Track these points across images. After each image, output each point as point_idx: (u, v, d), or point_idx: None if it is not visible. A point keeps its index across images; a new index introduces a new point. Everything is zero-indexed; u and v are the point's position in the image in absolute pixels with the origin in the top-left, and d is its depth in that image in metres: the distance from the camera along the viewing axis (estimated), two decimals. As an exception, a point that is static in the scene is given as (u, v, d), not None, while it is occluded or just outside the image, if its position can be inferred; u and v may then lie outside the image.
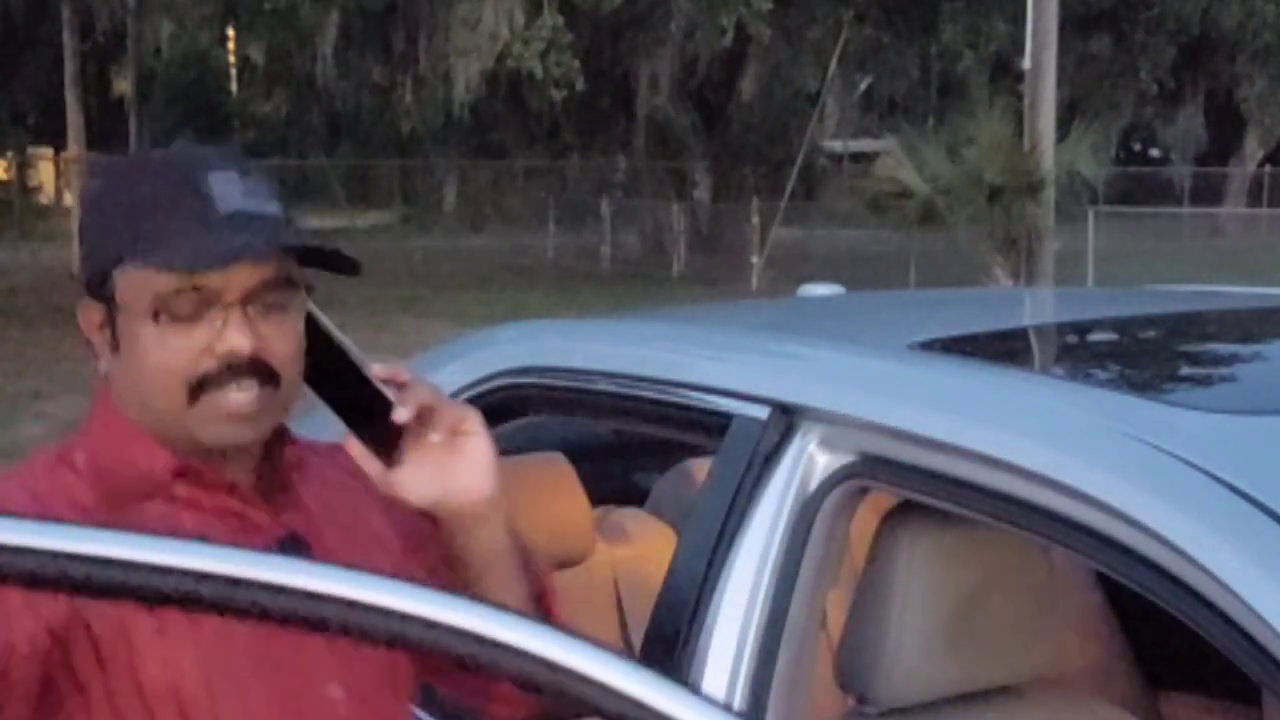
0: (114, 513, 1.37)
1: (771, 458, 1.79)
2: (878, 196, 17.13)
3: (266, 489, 1.48)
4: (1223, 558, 1.33)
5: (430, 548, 1.50)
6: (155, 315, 1.37)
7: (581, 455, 2.70)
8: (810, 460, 1.78)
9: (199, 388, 1.38)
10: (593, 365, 2.17)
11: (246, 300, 1.37)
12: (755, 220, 23.36)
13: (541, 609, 1.55)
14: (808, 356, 2.07)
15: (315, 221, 32.25)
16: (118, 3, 25.71)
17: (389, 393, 1.39)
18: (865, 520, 1.91)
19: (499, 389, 2.18)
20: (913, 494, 1.74)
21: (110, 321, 1.43)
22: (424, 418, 1.41)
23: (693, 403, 1.95)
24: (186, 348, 1.38)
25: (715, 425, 1.89)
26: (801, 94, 28.79)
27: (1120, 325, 2.55)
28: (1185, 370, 2.27)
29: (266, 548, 1.37)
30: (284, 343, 1.40)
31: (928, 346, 2.05)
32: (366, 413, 1.41)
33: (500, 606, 0.83)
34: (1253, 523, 1.35)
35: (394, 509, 1.48)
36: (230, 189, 1.37)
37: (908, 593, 1.79)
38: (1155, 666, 2.52)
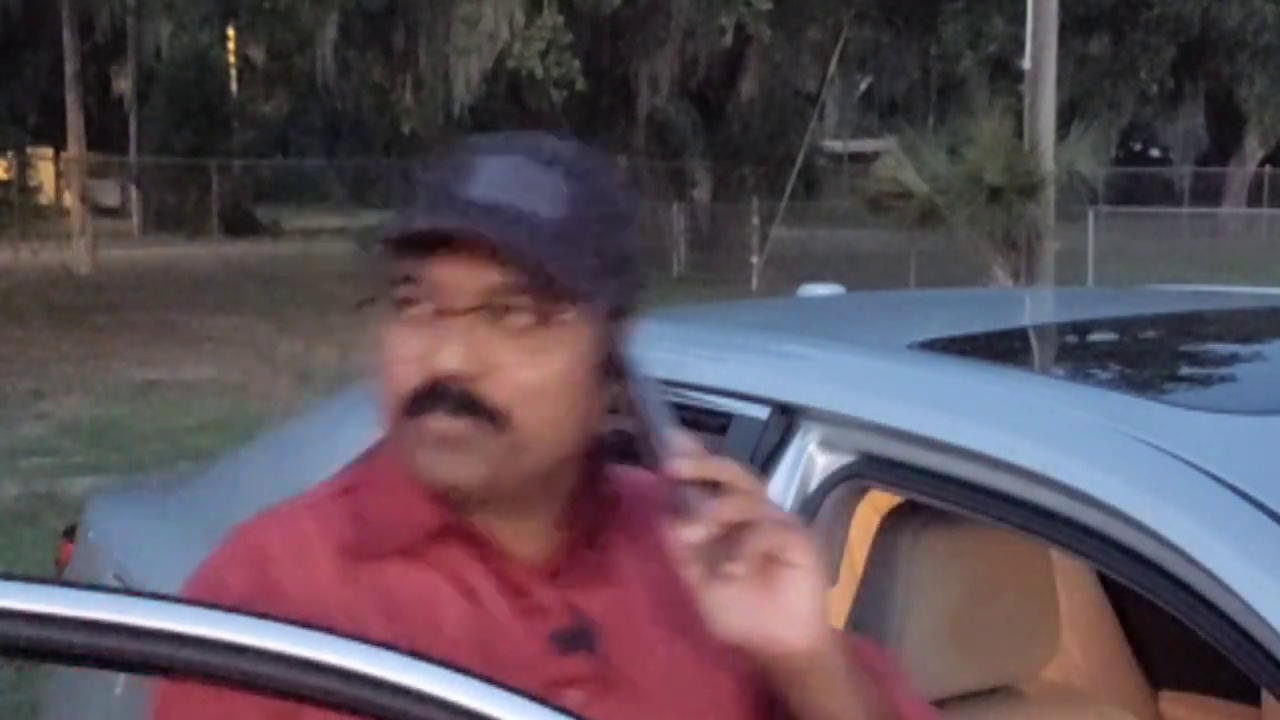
0: (361, 569, 1.14)
1: (771, 458, 1.79)
2: (878, 196, 17.12)
3: (569, 559, 1.17)
4: (1223, 558, 1.33)
5: None
6: (388, 305, 1.13)
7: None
8: (810, 460, 1.78)
9: (412, 407, 1.11)
10: (593, 365, 2.17)
11: (479, 308, 1.09)
12: (755, 220, 23.37)
13: None
14: (808, 356, 2.07)
15: (315, 221, 32.34)
16: (118, 3, 25.72)
17: (691, 496, 1.05)
18: (865, 520, 1.91)
19: (499, 389, 2.18)
20: (913, 494, 1.74)
21: None
22: (735, 534, 1.05)
23: (693, 403, 1.95)
24: (406, 354, 1.11)
25: (715, 425, 1.89)
26: (801, 94, 28.80)
27: (1120, 325, 2.55)
28: (1185, 370, 2.27)
29: (548, 637, 1.14)
30: (523, 373, 1.10)
31: (928, 346, 2.05)
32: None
33: None
34: (1253, 523, 1.35)
35: None
36: (498, 175, 1.11)
37: (908, 592, 1.79)
38: (1155, 666, 2.52)
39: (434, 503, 1.14)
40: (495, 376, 1.09)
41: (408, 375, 1.11)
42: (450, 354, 1.08)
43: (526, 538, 1.16)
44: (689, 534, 1.04)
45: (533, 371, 1.10)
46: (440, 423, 1.09)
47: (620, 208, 1.17)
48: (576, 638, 1.14)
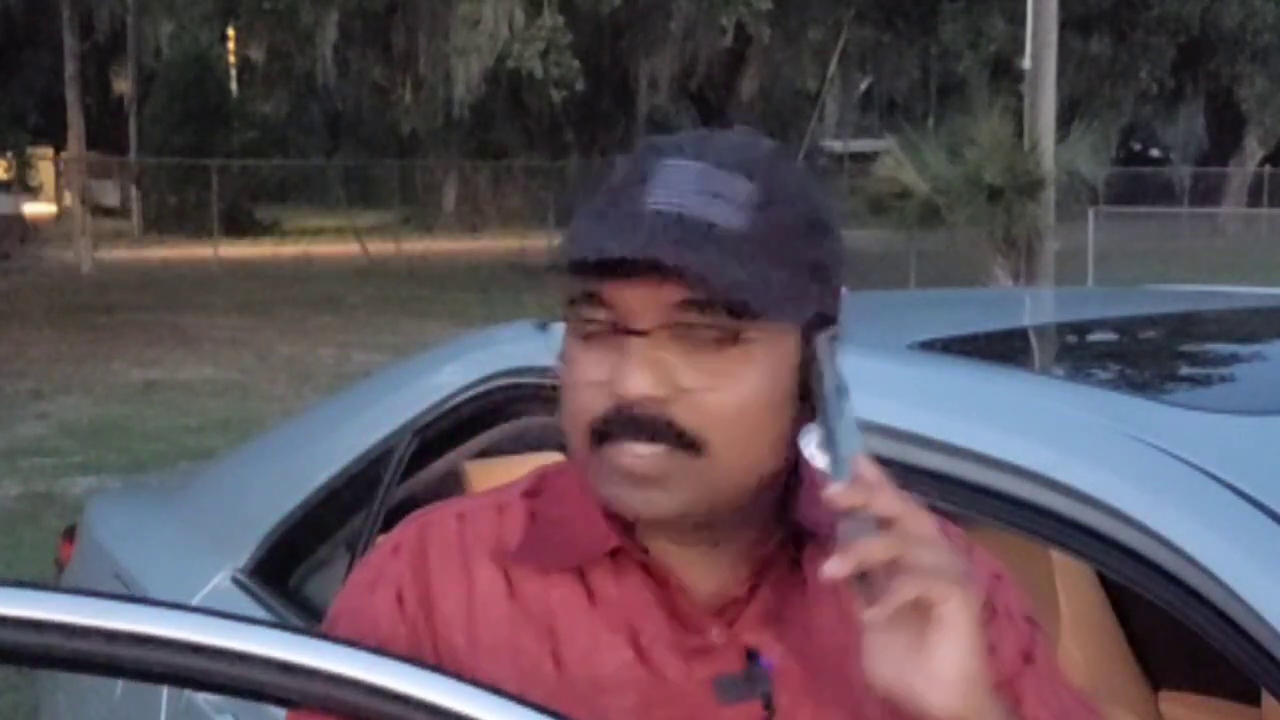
0: (526, 581, 1.09)
1: (771, 458, 1.79)
2: (878, 196, 17.13)
3: (754, 596, 1.08)
4: (1223, 558, 1.33)
5: None
6: (571, 323, 1.05)
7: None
8: (810, 460, 1.77)
9: (600, 434, 1.03)
10: (593, 365, 2.16)
11: (666, 327, 1.01)
12: (755, 220, 23.35)
13: None
14: (808, 356, 2.07)
15: (315, 221, 32.36)
16: (118, 3, 25.75)
17: (847, 528, 0.97)
18: (865, 520, 1.90)
19: (499, 389, 2.18)
20: (913, 494, 1.74)
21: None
22: (888, 572, 0.95)
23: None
24: (592, 378, 1.03)
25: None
26: (801, 94, 28.83)
27: (1120, 325, 2.55)
28: (1185, 370, 2.27)
29: (713, 682, 1.06)
30: (716, 395, 1.01)
31: (928, 346, 2.05)
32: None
33: None
34: (1253, 523, 1.35)
35: None
36: (677, 178, 1.02)
37: (908, 593, 1.79)
38: (1155, 666, 2.52)
39: (612, 523, 1.07)
40: (687, 399, 1.01)
41: (594, 400, 1.02)
42: (638, 377, 1.00)
43: (710, 570, 1.08)
44: (828, 568, 0.94)
45: (726, 393, 1.01)
46: (633, 454, 1.01)
47: (816, 214, 1.06)
48: (746, 685, 1.05)
